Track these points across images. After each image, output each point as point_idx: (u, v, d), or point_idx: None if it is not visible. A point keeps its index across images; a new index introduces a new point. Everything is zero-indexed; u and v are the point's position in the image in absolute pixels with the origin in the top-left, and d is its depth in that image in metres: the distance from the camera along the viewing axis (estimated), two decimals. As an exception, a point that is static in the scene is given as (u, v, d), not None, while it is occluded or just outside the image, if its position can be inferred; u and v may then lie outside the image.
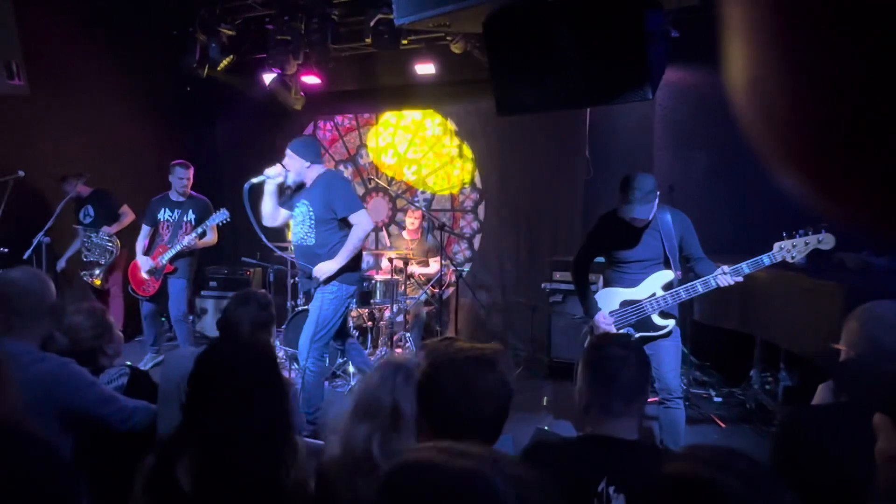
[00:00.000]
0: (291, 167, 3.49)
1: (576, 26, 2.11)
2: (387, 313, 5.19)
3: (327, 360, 4.25)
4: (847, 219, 0.30)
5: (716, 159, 4.92)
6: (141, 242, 4.95)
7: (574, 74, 2.16)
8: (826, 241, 2.75)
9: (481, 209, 6.42)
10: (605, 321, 3.09)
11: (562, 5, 2.10)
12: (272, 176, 3.48)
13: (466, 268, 6.23)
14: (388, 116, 6.80)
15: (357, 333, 5.02)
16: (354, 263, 3.56)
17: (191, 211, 4.94)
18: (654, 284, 3.03)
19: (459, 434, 1.12)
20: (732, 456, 0.96)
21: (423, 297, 5.45)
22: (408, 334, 5.20)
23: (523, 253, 6.17)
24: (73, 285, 5.37)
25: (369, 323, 5.20)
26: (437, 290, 5.41)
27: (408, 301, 5.26)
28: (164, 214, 4.94)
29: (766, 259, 2.80)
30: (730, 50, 0.32)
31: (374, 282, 5.26)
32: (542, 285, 5.33)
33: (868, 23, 0.25)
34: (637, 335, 3.02)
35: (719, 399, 4.52)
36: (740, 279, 2.86)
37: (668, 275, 3.01)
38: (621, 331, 3.06)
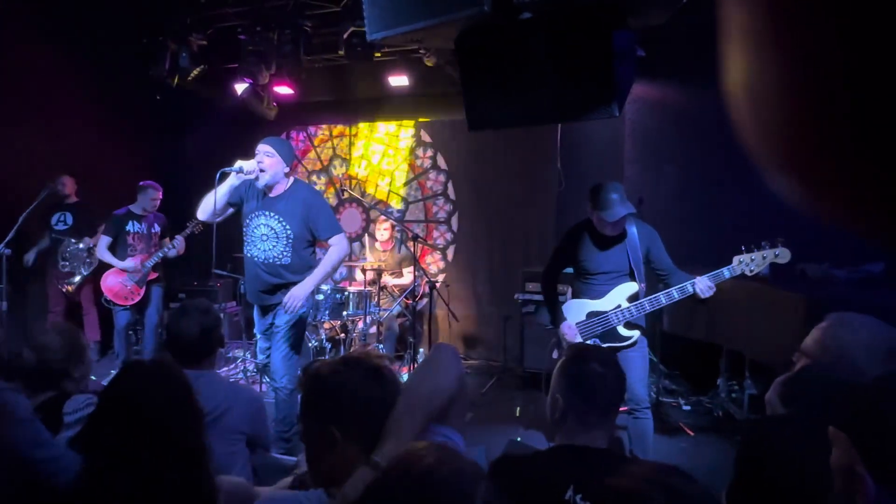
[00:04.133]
0: (270, 168, 3.19)
1: (546, 45, 2.16)
2: (360, 325, 5.17)
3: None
4: (842, 222, 0.31)
5: (684, 173, 5.05)
6: (107, 253, 4.91)
7: (543, 92, 2.20)
8: (782, 255, 2.86)
9: (455, 220, 6.45)
10: (570, 332, 3.14)
11: (532, 24, 2.15)
12: (246, 171, 3.17)
13: (440, 279, 6.25)
14: (362, 127, 6.81)
15: (329, 346, 4.98)
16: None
17: (156, 224, 5.14)
18: (620, 296, 3.09)
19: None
20: (671, 474, 1.00)
21: (397, 309, 5.44)
22: (381, 346, 5.18)
23: (496, 264, 6.21)
24: (46, 284, 5.24)
25: (342, 335, 5.17)
26: (410, 302, 5.40)
27: (381, 312, 5.24)
28: (132, 226, 5.03)
29: (726, 272, 2.90)
30: (726, 54, 0.33)
31: (347, 293, 5.23)
32: (515, 296, 5.37)
33: (865, 25, 0.26)
34: (604, 346, 3.07)
35: (688, 407, 4.60)
36: (713, 290, 2.92)
37: (632, 287, 3.07)
38: (588, 341, 3.11)
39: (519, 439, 3.80)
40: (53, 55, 5.38)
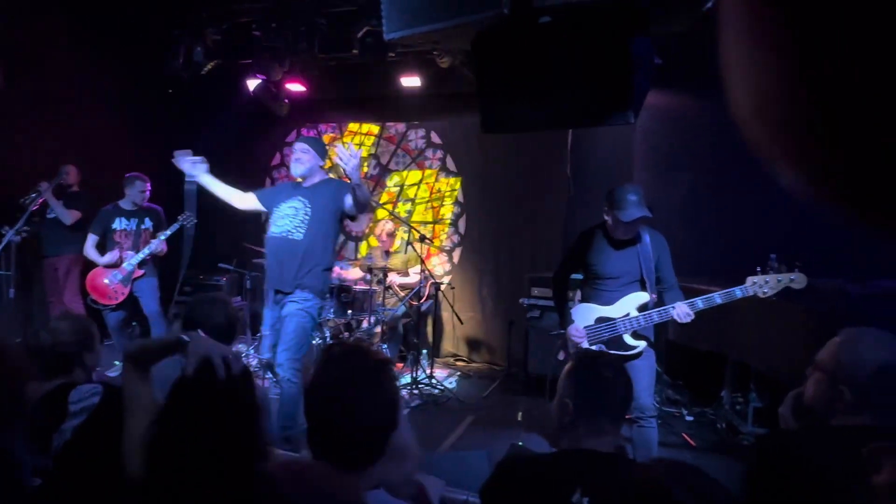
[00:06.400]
0: (305, 162, 3.48)
1: (563, 49, 2.15)
2: (364, 324, 5.17)
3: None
4: (851, 219, 0.31)
5: (694, 181, 5.02)
6: (92, 252, 4.77)
7: (559, 96, 2.19)
8: (798, 280, 2.80)
9: (462, 223, 6.45)
10: (577, 334, 3.12)
11: (551, 28, 2.14)
12: (193, 174, 3.46)
13: (445, 281, 6.24)
14: (373, 127, 6.81)
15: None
16: (328, 278, 3.54)
17: (147, 219, 4.92)
18: (630, 304, 3.05)
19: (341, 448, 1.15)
20: (693, 472, 1.00)
21: (402, 310, 5.44)
22: (384, 346, 5.17)
23: (502, 267, 6.20)
24: (43, 273, 5.15)
25: (346, 334, 5.17)
26: (415, 303, 5.40)
27: (386, 312, 5.24)
28: (119, 223, 4.85)
29: (738, 292, 2.84)
30: (730, 60, 0.33)
31: (352, 292, 5.23)
32: (520, 300, 5.36)
33: (867, 29, 0.26)
34: (609, 353, 3.04)
35: (691, 418, 4.57)
36: (691, 317, 2.87)
37: (643, 296, 3.04)
38: (593, 347, 3.08)
39: (521, 444, 3.78)
40: (68, 46, 5.41)
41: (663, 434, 4.26)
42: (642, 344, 3.04)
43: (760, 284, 2.81)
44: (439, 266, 6.48)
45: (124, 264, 4.76)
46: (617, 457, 1.53)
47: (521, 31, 2.15)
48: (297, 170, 3.49)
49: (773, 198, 4.26)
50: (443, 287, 5.67)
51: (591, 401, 1.54)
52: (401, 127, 6.70)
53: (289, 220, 3.42)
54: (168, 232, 4.82)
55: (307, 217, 3.40)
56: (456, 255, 6.45)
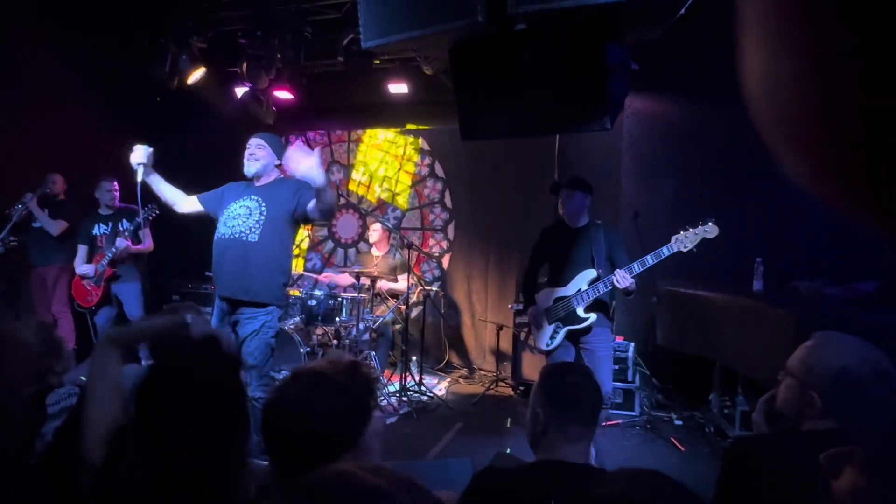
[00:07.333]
0: (261, 158, 3.19)
1: (539, 56, 2.17)
2: (353, 331, 5.14)
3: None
4: (862, 218, 0.31)
5: (680, 186, 5.05)
6: (78, 260, 4.85)
7: (536, 103, 2.21)
8: (711, 230, 3.08)
9: (451, 229, 6.45)
10: (534, 317, 3.50)
11: (526, 35, 2.15)
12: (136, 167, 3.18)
13: (435, 287, 6.24)
14: (361, 134, 6.82)
15: (321, 352, 4.96)
16: (286, 283, 3.29)
17: (124, 220, 4.92)
18: (581, 281, 3.33)
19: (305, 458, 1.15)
20: (656, 477, 1.00)
21: (391, 316, 5.43)
22: (373, 353, 5.16)
23: (491, 273, 6.20)
24: (30, 283, 5.14)
25: (335, 341, 5.15)
26: (404, 309, 5.39)
27: (374, 319, 5.23)
28: (98, 229, 4.91)
29: (664, 250, 3.08)
30: (745, 49, 0.33)
31: (340, 299, 5.21)
32: (510, 306, 5.36)
33: (880, 20, 0.26)
34: (564, 328, 3.34)
35: (679, 422, 4.58)
36: (631, 280, 3.09)
37: (592, 272, 3.30)
38: (551, 325, 3.39)
39: (509, 451, 3.77)
40: (54, 55, 5.39)
41: (652, 437, 4.28)
42: (592, 316, 3.29)
43: (682, 240, 3.07)
44: (428, 272, 6.48)
45: (97, 265, 4.80)
46: (588, 468, 1.54)
47: (497, 40, 2.16)
48: (251, 168, 3.18)
49: (757, 202, 4.29)
50: (432, 293, 5.67)
51: (561, 408, 1.54)
52: (389, 134, 6.70)
53: (241, 220, 3.10)
54: (131, 227, 4.80)
55: (262, 217, 3.08)
56: (445, 261, 6.45)
